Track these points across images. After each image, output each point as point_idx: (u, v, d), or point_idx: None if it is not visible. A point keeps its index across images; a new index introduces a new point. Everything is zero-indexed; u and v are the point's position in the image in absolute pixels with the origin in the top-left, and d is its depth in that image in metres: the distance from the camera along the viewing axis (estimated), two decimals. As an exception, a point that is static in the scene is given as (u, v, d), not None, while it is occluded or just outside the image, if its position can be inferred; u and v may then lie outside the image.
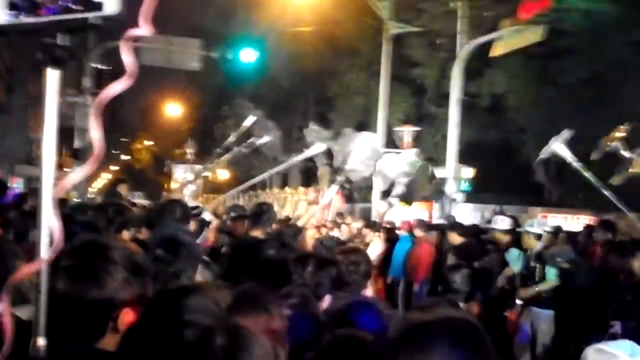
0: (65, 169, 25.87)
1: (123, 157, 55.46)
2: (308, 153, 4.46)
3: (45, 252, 1.02)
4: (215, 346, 0.77)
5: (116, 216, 2.95)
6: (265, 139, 4.71)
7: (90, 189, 35.22)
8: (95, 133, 1.07)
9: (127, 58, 1.06)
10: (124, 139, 63.54)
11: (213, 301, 0.82)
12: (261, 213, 3.43)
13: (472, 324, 1.13)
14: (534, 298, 5.36)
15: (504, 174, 18.73)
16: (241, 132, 5.26)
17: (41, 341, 1.02)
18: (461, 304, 2.81)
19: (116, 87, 1.13)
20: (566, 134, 5.40)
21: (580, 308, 5.00)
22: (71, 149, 18.89)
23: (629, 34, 13.75)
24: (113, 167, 58.48)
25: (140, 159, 45.17)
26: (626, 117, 15.01)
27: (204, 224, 4.04)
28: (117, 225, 2.90)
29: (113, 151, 67.58)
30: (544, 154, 5.53)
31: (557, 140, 5.34)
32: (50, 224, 1.02)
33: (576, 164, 5.35)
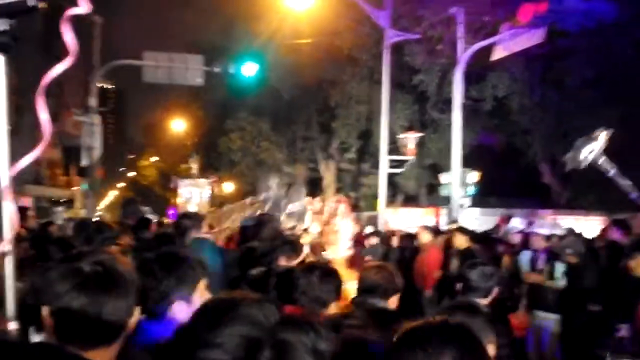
0: (74, 187, 26.12)
1: (130, 173, 55.88)
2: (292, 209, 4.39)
3: (8, 235, 1.04)
4: (262, 358, 0.78)
5: (95, 233, 2.97)
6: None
7: (98, 207, 35.48)
8: (43, 114, 1.08)
9: (69, 37, 1.07)
10: (130, 156, 64.05)
11: (263, 314, 0.83)
12: (261, 224, 3.44)
13: (469, 333, 1.15)
14: (539, 302, 5.31)
15: (510, 177, 18.67)
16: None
17: (12, 325, 1.04)
18: (482, 301, 2.76)
19: (59, 68, 1.15)
20: (602, 136, 4.56)
21: (588, 311, 4.94)
22: (78, 168, 19.05)
23: (633, 34, 13.75)
24: (120, 184, 58.94)
25: (147, 175, 45.44)
26: (633, 117, 14.99)
27: None
28: (96, 242, 2.90)
29: (120, 168, 68.20)
30: (577, 162, 4.71)
31: (593, 146, 4.53)
32: (8, 208, 1.04)
33: (612, 172, 4.62)
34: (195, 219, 3.48)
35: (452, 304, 2.24)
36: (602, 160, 4.51)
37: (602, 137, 4.49)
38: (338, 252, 8.58)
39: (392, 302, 2.58)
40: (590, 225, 12.59)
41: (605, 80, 15.02)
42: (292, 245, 3.05)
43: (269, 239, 2.98)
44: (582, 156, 4.49)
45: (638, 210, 9.05)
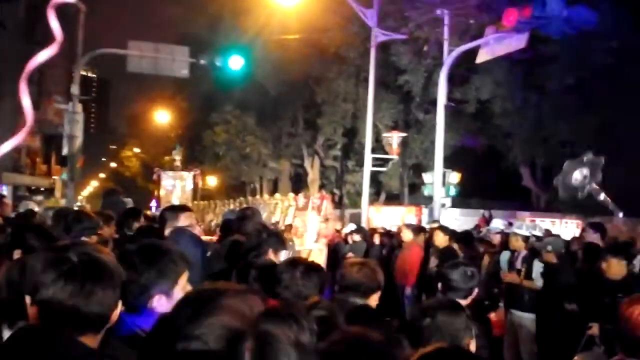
0: (54, 176, 25.71)
1: (111, 164, 55.13)
2: None
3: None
4: (243, 350, 0.78)
5: (75, 223, 2.93)
6: None
7: (79, 197, 34.94)
8: (26, 101, 1.09)
9: (55, 25, 1.08)
10: (112, 146, 63.16)
11: (247, 305, 0.84)
12: (245, 218, 3.43)
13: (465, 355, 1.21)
14: (516, 301, 5.44)
15: (490, 178, 18.97)
16: None
17: None
18: (462, 301, 2.75)
19: (44, 55, 1.17)
20: (593, 162, 4.56)
21: (563, 310, 5.08)
22: (59, 156, 18.71)
23: (612, 42, 14.09)
24: (101, 175, 58.12)
25: (130, 166, 44.87)
26: (611, 123, 15.34)
27: None
28: (75, 232, 2.88)
29: (102, 158, 67.22)
30: (570, 189, 4.76)
31: (583, 171, 4.61)
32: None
33: (602, 197, 4.72)
34: (176, 210, 3.43)
35: (435, 302, 2.26)
36: (593, 188, 4.63)
37: (592, 163, 4.52)
38: (304, 244, 8.66)
39: (373, 300, 2.58)
40: (566, 228, 12.88)
41: (585, 87, 15.34)
42: (279, 238, 3.07)
43: (254, 232, 2.99)
44: (574, 182, 4.58)
45: (612, 215, 9.32)
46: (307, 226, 10.57)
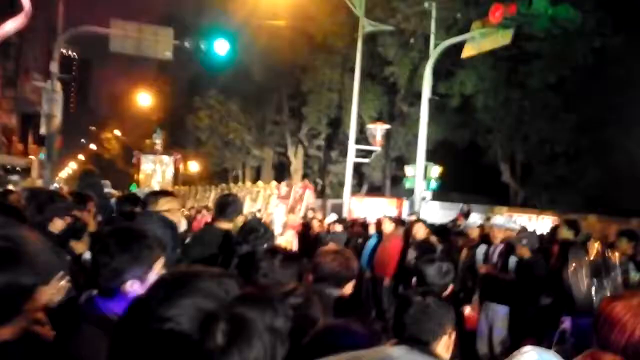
0: (31, 156, 25.17)
1: (91, 146, 54.18)
2: None
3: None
4: (216, 332, 0.78)
5: (47, 203, 2.88)
6: None
7: (56, 178, 34.29)
8: None
9: None
10: (92, 127, 61.95)
11: (222, 288, 0.83)
12: (226, 204, 3.40)
13: None
14: (491, 293, 5.54)
15: (471, 173, 19.19)
16: None
17: None
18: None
19: (10, 25, 1.12)
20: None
21: (535, 304, 5.19)
22: (37, 136, 18.29)
23: (593, 42, 14.30)
24: (80, 156, 57.09)
25: (110, 148, 44.15)
26: (589, 122, 15.59)
27: None
28: (48, 212, 2.83)
29: (81, 139, 65.94)
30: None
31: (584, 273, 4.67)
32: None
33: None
34: (157, 195, 3.37)
35: (421, 290, 2.27)
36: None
37: (603, 271, 4.51)
38: None
39: (348, 289, 2.58)
40: (542, 224, 13.13)
41: (566, 85, 15.56)
42: (272, 233, 3.07)
43: (248, 230, 2.99)
44: (588, 292, 4.54)
45: (587, 212, 9.55)
46: (274, 218, 10.58)
